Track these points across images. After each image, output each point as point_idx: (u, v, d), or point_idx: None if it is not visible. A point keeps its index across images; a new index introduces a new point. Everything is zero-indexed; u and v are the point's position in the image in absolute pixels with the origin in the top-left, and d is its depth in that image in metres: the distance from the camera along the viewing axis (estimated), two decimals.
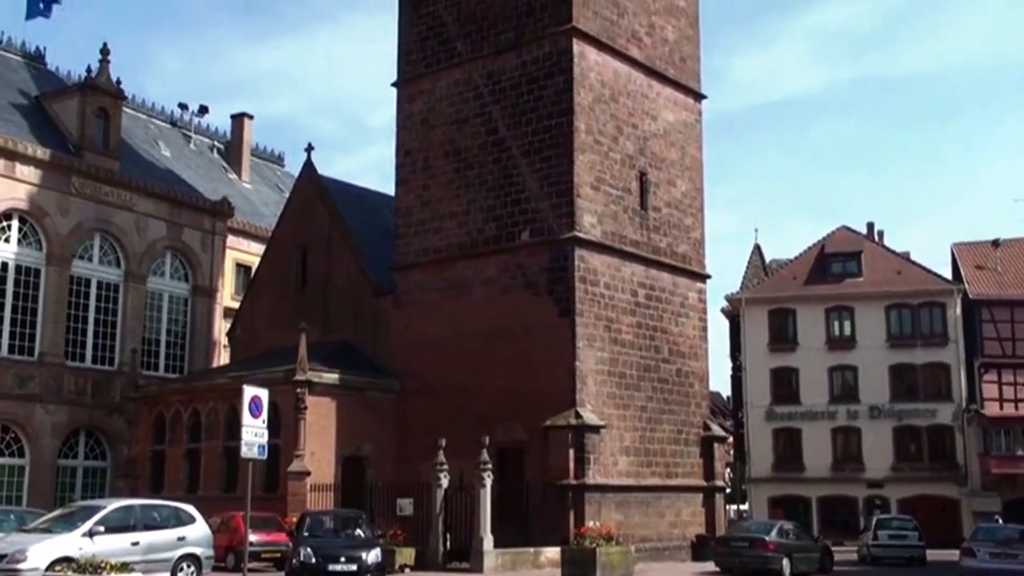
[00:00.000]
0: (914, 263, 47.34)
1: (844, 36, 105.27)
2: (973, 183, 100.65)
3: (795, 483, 44.64)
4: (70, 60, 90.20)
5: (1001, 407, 43.06)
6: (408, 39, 30.50)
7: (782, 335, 46.10)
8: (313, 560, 18.22)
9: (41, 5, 36.44)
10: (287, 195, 36.43)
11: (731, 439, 44.65)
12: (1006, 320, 43.86)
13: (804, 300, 45.81)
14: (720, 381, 67.45)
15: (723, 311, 50.17)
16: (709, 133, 32.28)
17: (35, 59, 36.87)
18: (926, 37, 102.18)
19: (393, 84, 30.68)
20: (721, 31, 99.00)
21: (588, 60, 27.48)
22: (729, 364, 50.81)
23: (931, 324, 44.62)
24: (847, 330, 45.49)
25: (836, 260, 46.91)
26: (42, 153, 31.36)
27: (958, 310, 44.05)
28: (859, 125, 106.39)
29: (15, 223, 30.86)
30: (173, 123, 42.50)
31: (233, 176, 43.17)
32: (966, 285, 44.35)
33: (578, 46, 27.20)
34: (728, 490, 39.85)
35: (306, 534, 19.29)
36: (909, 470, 43.51)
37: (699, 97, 31.69)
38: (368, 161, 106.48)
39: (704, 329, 30.94)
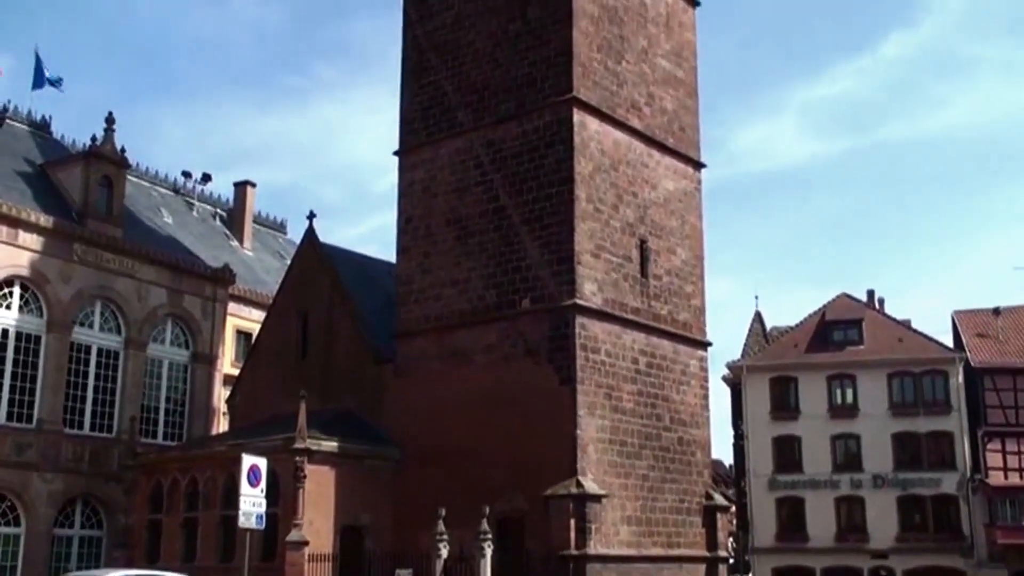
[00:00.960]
0: (915, 331, 47.30)
1: (839, 108, 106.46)
2: (972, 251, 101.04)
3: (799, 553, 44.11)
4: (76, 129, 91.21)
5: (1006, 476, 42.72)
6: (410, 108, 30.82)
7: (784, 403, 45.91)
8: None
9: (46, 80, 37.02)
10: (288, 262, 36.54)
11: (734, 508, 44.22)
12: (1009, 388, 43.72)
13: (806, 368, 45.70)
14: (722, 449, 66.96)
15: (724, 379, 50.02)
16: (709, 201, 32.59)
17: (41, 128, 37.24)
18: (920, 108, 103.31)
19: (395, 153, 30.95)
20: (720, 101, 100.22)
21: (588, 129, 27.74)
22: (731, 432, 50.55)
23: (934, 392, 44.47)
24: (849, 398, 45.31)
25: (837, 328, 46.89)
26: (45, 220, 31.52)
27: (960, 378, 43.91)
28: (857, 193, 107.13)
29: (16, 290, 30.91)
30: (176, 191, 42.79)
31: (235, 243, 43.34)
32: (968, 353, 44.26)
33: (578, 115, 27.47)
34: (731, 560, 39.35)
35: None
36: (914, 540, 43.02)
37: (698, 166, 31.93)
38: (370, 228, 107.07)
39: (705, 397, 30.81)
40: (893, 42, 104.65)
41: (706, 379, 30.96)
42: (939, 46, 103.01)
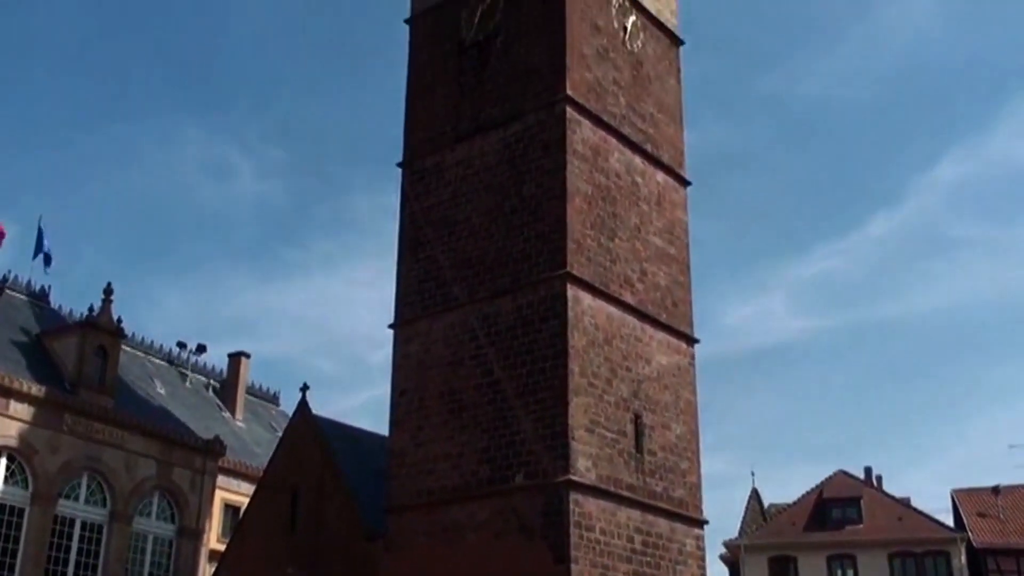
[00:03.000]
0: (915, 510, 46.68)
1: (828, 285, 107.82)
2: (968, 428, 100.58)
3: None
4: (74, 298, 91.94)
5: None
6: (406, 283, 31.16)
7: None
8: None
9: (41, 253, 37.59)
10: (280, 434, 36.24)
11: None
12: (1012, 570, 42.86)
13: (804, 547, 44.87)
14: None
15: (722, 557, 48.94)
16: (703, 376, 32.63)
17: (40, 298, 37.56)
18: (907, 286, 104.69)
19: (391, 326, 31.12)
20: (711, 278, 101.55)
21: (582, 304, 27.99)
22: None
23: (936, 573, 43.50)
24: None
25: (836, 506, 46.28)
26: (37, 390, 31.42)
27: (963, 559, 43.06)
28: (850, 369, 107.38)
29: (3, 461, 30.52)
30: (170, 361, 42.83)
31: (227, 414, 43.09)
32: (970, 533, 43.54)
33: (572, 291, 27.76)
34: None
35: None
36: None
37: (692, 341, 32.08)
38: (364, 400, 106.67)
39: None
40: (878, 222, 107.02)
41: (703, 558, 30.25)
42: (924, 226, 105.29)
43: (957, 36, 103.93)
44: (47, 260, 37.80)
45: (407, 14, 34.24)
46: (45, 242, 37.75)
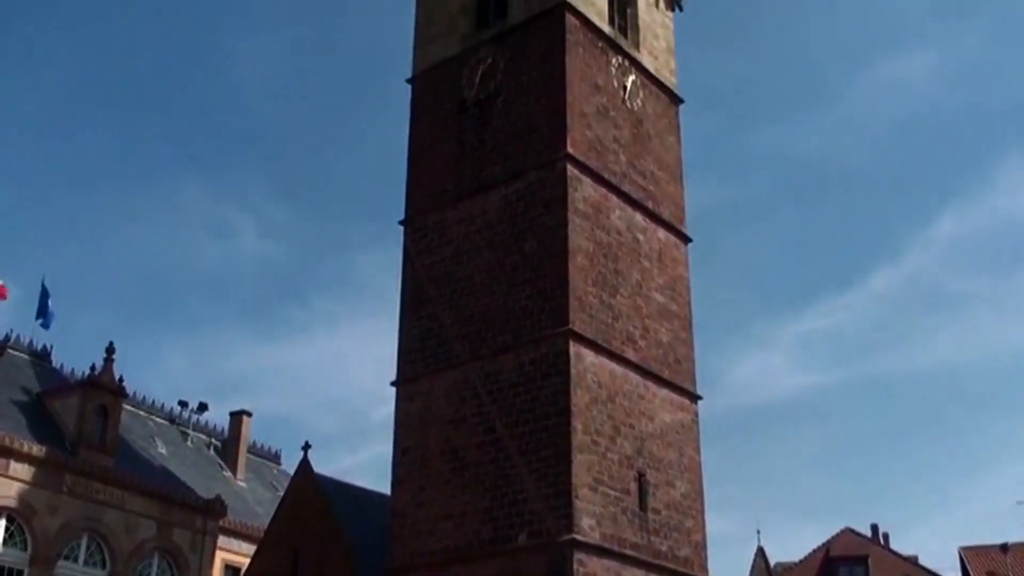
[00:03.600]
0: (923, 568, 46.20)
1: (830, 341, 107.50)
2: (974, 484, 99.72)
3: None
4: (76, 357, 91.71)
5: None
6: (408, 340, 31.13)
7: None
8: None
9: (42, 314, 37.65)
10: (282, 493, 35.97)
11: None
12: None
13: None
14: None
15: None
16: (707, 433, 32.51)
17: (41, 357, 37.52)
18: (910, 342, 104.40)
19: (392, 383, 31.03)
20: (713, 333, 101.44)
21: (584, 361, 27.93)
22: None
23: None
24: None
25: (843, 564, 45.82)
26: (37, 450, 31.26)
27: None
28: (855, 425, 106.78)
29: (2, 522, 30.27)
30: (172, 420, 42.68)
31: (228, 474, 42.83)
32: None
33: (575, 348, 27.71)
34: None
35: None
36: None
37: (695, 398, 31.94)
38: (366, 459, 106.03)
39: None
40: (879, 277, 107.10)
41: None
42: (924, 281, 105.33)
43: (954, 92, 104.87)
44: (46, 322, 37.85)
45: (409, 73, 34.61)
46: (48, 302, 37.81)
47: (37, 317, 38.00)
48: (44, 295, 38.20)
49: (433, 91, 33.65)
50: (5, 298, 36.36)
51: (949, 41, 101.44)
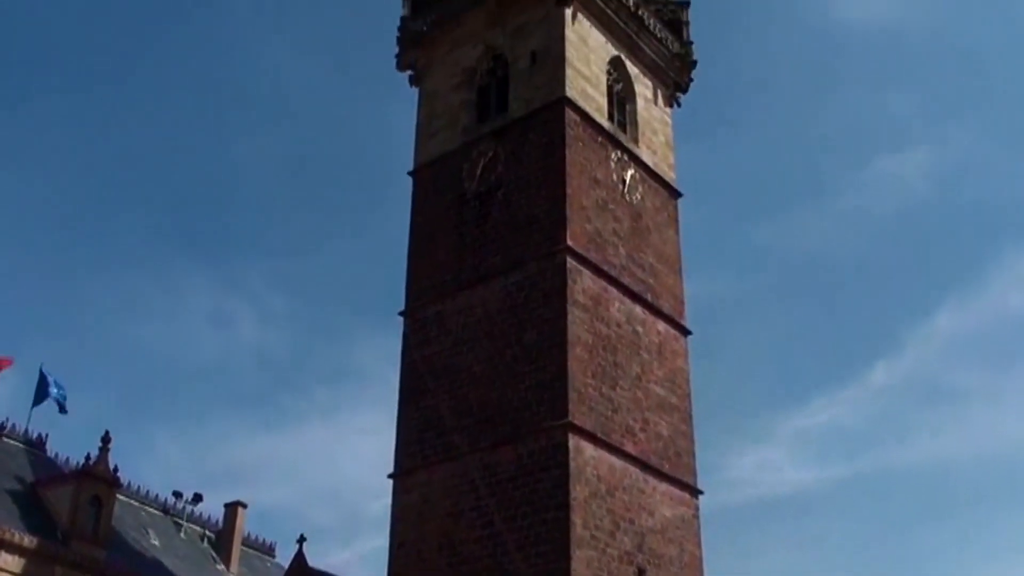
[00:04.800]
0: None
1: (831, 435, 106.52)
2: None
3: None
4: (71, 445, 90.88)
5: None
6: (406, 432, 30.92)
7: None
8: None
9: (51, 398, 37.44)
10: None
11: None
12: None
13: None
14: None
15: None
16: (708, 528, 32.09)
17: (36, 446, 37.17)
18: (911, 436, 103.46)
19: (390, 476, 30.73)
20: (714, 427, 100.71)
21: (584, 455, 27.70)
22: None
23: None
24: None
25: None
26: (29, 541, 30.78)
27: None
28: (858, 519, 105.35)
29: None
30: (165, 511, 42.10)
31: (221, 567, 42.10)
32: None
33: (574, 440, 27.52)
34: None
35: None
36: None
37: (696, 492, 31.59)
38: (362, 552, 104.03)
39: None
40: (879, 371, 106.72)
41: None
42: (924, 376, 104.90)
43: (949, 189, 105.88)
44: (62, 402, 37.63)
45: (410, 166, 35.02)
46: (52, 389, 37.61)
47: (34, 404, 37.79)
48: (42, 383, 38.03)
49: (434, 183, 34.00)
50: (10, 365, 36.26)
51: (942, 139, 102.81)
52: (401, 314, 32.77)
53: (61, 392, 37.84)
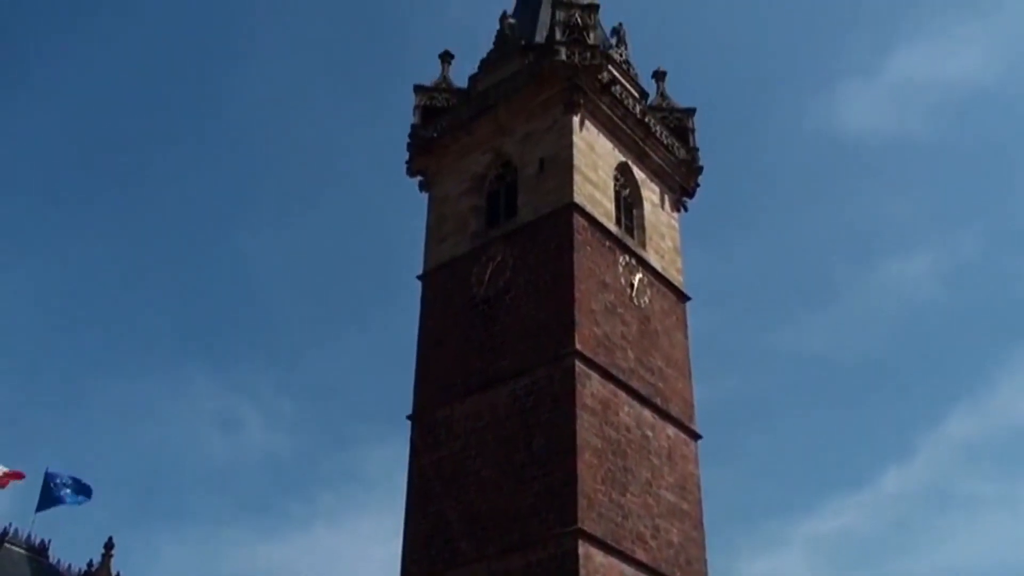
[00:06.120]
0: None
1: (844, 541, 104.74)
2: None
3: None
4: (74, 551, 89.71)
5: None
6: (413, 538, 30.49)
7: None
8: None
9: (65, 494, 37.03)
10: None
11: None
12: None
13: None
14: None
15: None
16: None
17: (38, 552, 36.63)
18: (924, 543, 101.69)
19: None
20: (725, 532, 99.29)
21: (594, 562, 27.23)
22: None
23: None
24: None
25: None
26: None
27: None
28: None
29: None
30: None
31: None
32: None
33: (583, 548, 27.06)
34: None
35: None
36: None
37: None
38: None
39: None
40: (892, 476, 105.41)
41: None
42: (937, 482, 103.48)
43: (957, 291, 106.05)
44: (77, 498, 37.13)
45: (420, 270, 35.28)
46: (65, 491, 37.23)
47: (38, 510, 37.37)
48: (46, 487, 37.67)
49: (443, 287, 34.19)
50: (21, 479, 35.98)
51: (949, 242, 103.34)
52: (409, 418, 32.62)
53: (77, 485, 37.36)
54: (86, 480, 37.09)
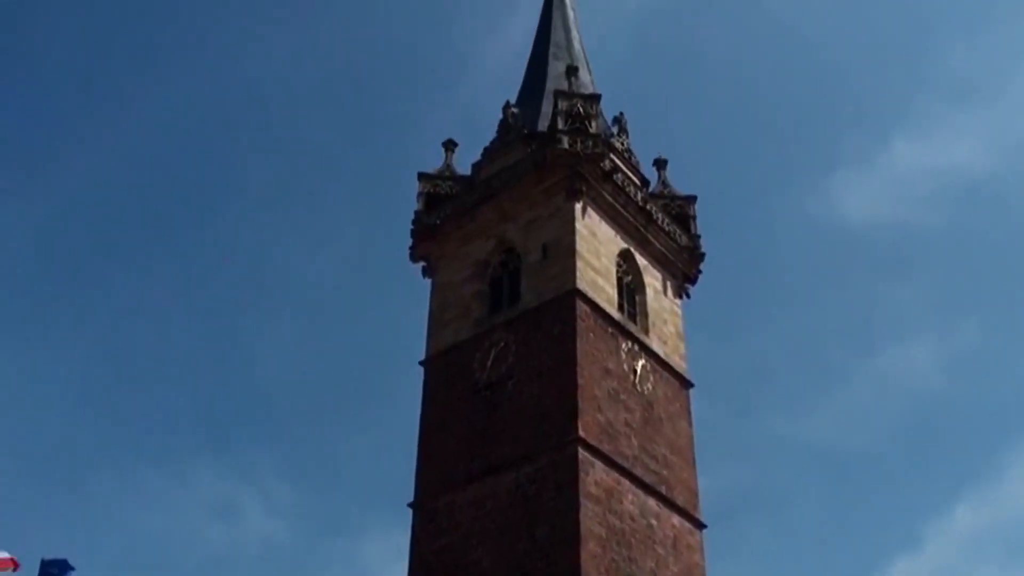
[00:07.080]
0: None
1: None
2: None
3: None
4: None
5: None
6: None
7: None
8: None
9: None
10: None
11: None
12: None
13: None
14: None
15: None
16: None
17: None
18: None
19: None
20: None
21: None
22: None
23: None
24: None
25: None
26: None
27: None
28: None
29: None
30: None
31: None
32: None
33: None
34: None
35: None
36: None
37: None
38: None
39: None
40: (900, 567, 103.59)
41: None
42: (946, 572, 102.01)
43: (959, 379, 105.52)
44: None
45: (422, 356, 35.17)
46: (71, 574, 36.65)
47: None
48: (42, 571, 37.07)
49: (445, 373, 34.05)
50: (16, 568, 35.42)
51: (951, 330, 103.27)
52: (410, 506, 32.23)
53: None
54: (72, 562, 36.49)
